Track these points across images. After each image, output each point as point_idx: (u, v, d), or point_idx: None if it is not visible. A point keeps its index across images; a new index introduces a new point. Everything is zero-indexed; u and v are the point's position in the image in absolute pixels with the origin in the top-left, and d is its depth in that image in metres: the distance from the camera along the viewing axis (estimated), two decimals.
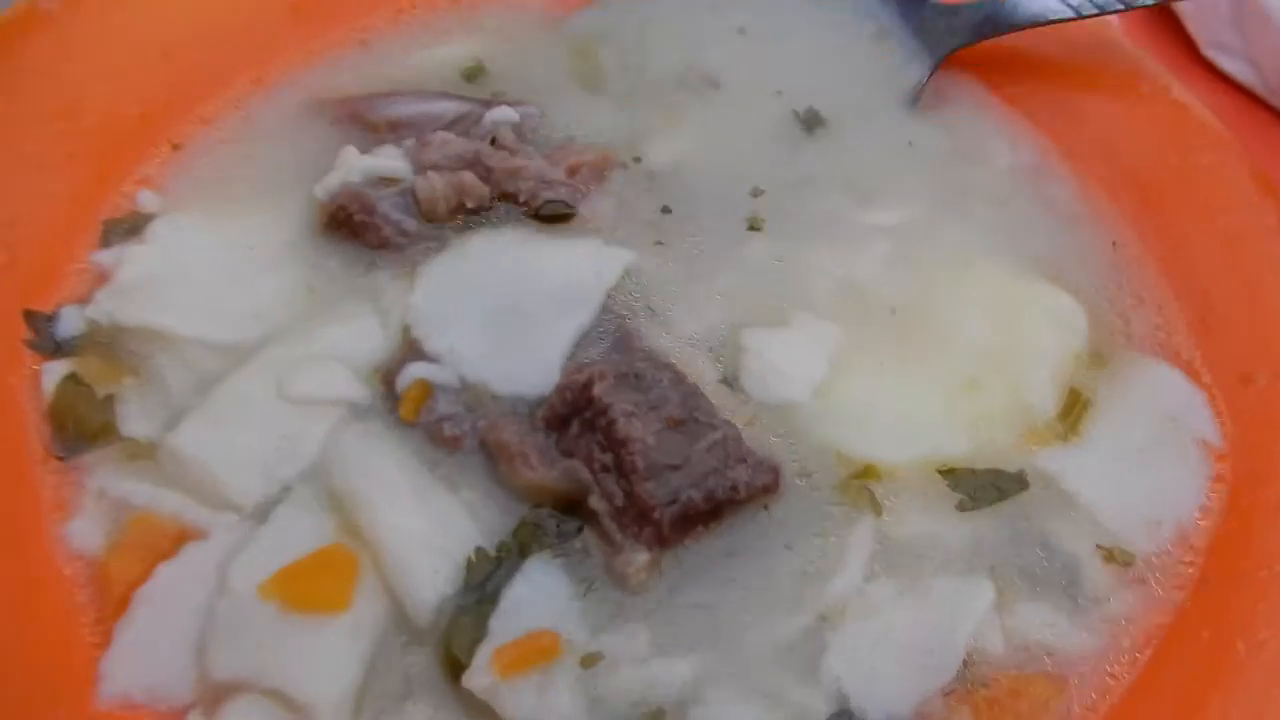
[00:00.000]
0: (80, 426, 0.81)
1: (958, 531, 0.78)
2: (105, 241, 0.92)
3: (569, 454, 0.75)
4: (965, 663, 0.71)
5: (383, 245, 0.88)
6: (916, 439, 0.81)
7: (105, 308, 0.85)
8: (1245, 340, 0.88)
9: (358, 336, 0.85)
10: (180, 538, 0.75)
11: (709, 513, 0.73)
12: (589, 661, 0.69)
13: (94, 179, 0.93)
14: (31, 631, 0.71)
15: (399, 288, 0.87)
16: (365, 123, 0.99)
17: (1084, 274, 0.94)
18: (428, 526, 0.73)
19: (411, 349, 0.82)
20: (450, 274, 0.87)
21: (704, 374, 0.82)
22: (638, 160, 0.98)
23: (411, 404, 0.79)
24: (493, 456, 0.76)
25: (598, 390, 0.75)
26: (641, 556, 0.71)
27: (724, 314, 0.87)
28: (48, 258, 0.89)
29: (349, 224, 0.89)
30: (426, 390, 0.79)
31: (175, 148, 0.99)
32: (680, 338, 0.85)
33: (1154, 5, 0.92)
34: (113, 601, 0.73)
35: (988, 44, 1.03)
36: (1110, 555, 0.78)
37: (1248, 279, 0.90)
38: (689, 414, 0.76)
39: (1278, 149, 1.19)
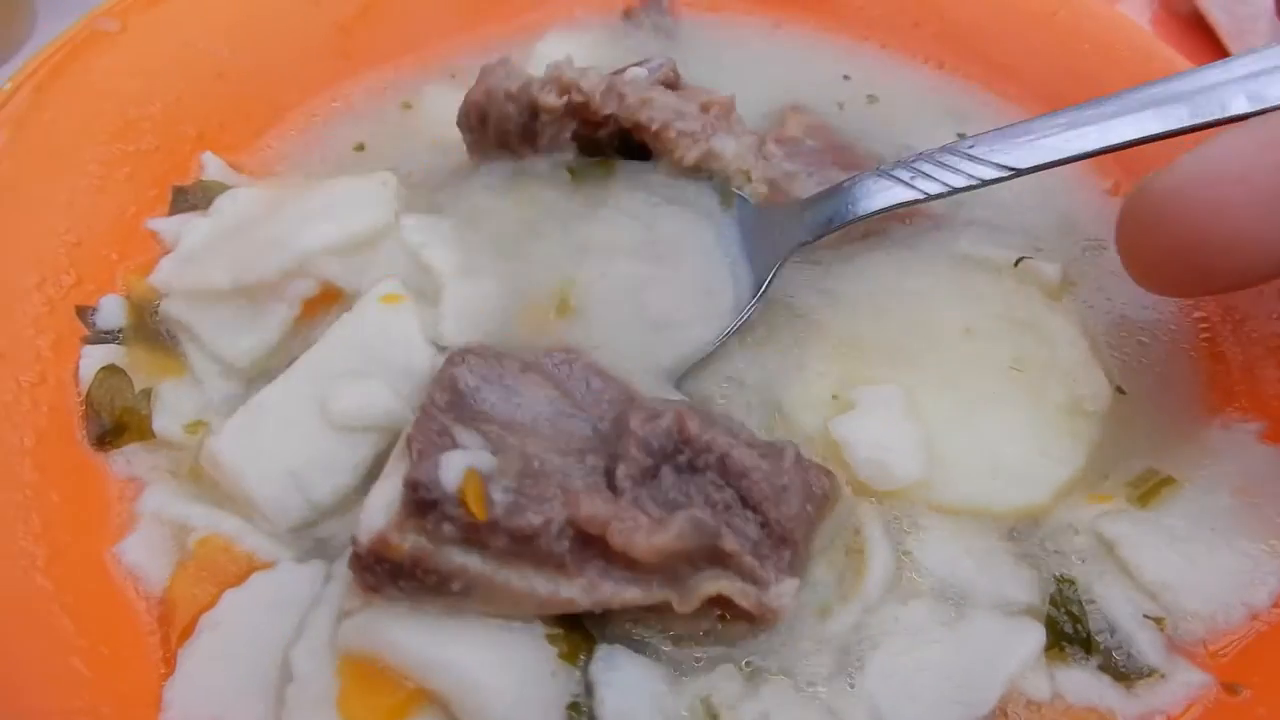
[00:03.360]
0: (113, 416, 0.81)
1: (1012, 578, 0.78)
2: (173, 209, 0.94)
3: (671, 505, 0.70)
4: (1004, 701, 0.70)
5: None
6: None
7: (165, 274, 0.87)
8: None
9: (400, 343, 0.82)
10: (247, 564, 0.75)
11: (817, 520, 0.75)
12: None
13: (154, 200, 0.95)
14: (98, 648, 0.71)
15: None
16: None
17: None
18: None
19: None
20: None
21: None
22: None
23: (477, 500, 0.65)
24: (585, 535, 0.67)
25: (694, 428, 0.72)
26: (791, 584, 0.70)
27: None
28: (111, 277, 0.89)
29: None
30: (479, 481, 0.66)
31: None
32: None
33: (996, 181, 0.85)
34: (178, 626, 0.73)
35: None
36: (1160, 626, 0.76)
37: None
38: (753, 437, 0.76)
39: None
